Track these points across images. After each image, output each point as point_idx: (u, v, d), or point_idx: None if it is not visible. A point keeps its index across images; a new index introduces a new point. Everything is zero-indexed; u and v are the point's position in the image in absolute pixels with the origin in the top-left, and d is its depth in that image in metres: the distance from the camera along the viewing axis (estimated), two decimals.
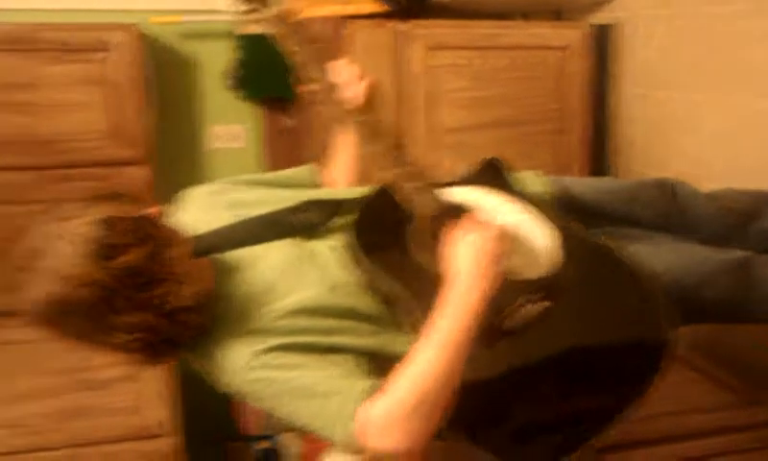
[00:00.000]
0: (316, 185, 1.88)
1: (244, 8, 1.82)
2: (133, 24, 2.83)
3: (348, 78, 1.72)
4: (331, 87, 1.71)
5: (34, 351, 2.60)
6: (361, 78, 1.73)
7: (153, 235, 1.44)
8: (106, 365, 2.59)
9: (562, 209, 1.78)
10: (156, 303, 1.40)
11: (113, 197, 1.48)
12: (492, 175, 1.69)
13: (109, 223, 1.39)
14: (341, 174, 1.91)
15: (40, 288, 1.35)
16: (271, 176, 1.89)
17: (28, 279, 1.37)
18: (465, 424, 1.47)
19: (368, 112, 1.68)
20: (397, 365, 1.43)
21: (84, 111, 2.77)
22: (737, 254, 1.80)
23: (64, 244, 1.36)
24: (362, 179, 1.89)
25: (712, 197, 1.93)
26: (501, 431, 1.51)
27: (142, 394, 2.68)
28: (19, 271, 1.38)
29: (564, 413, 1.52)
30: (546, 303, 1.52)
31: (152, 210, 1.56)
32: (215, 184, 1.80)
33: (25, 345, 2.61)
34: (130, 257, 1.37)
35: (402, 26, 2.73)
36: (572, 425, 1.52)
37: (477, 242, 1.45)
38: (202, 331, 1.50)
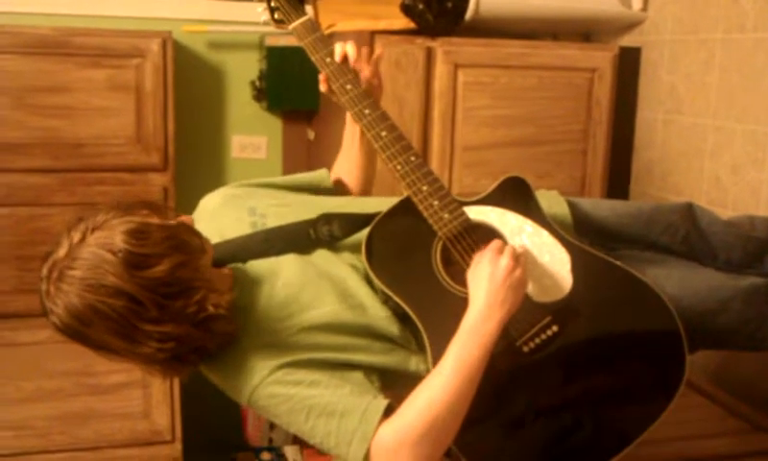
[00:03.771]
0: (330, 191, 1.87)
1: (273, 18, 1.82)
2: (167, 32, 2.85)
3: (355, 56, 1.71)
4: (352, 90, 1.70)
5: (41, 353, 2.62)
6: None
7: (186, 243, 1.43)
8: (112, 370, 2.60)
9: (580, 231, 1.79)
10: (190, 311, 1.39)
11: (145, 205, 1.46)
12: (515, 194, 1.68)
13: (142, 232, 1.37)
14: (346, 172, 1.90)
15: (69, 297, 1.33)
16: (287, 179, 1.87)
17: (56, 287, 1.35)
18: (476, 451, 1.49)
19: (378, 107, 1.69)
20: (410, 383, 1.45)
21: (115, 117, 2.78)
22: (753, 280, 1.80)
23: (96, 252, 1.34)
24: (366, 182, 1.90)
25: (731, 224, 1.92)
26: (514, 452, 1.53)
27: (148, 400, 2.70)
28: (47, 278, 1.36)
29: (578, 434, 1.53)
30: (556, 329, 1.53)
31: (184, 218, 1.55)
32: (232, 188, 1.78)
33: (32, 347, 2.63)
34: (163, 268, 1.36)
35: (431, 43, 2.75)
36: (587, 447, 1.53)
37: (497, 269, 1.46)
38: (229, 340, 1.49)
